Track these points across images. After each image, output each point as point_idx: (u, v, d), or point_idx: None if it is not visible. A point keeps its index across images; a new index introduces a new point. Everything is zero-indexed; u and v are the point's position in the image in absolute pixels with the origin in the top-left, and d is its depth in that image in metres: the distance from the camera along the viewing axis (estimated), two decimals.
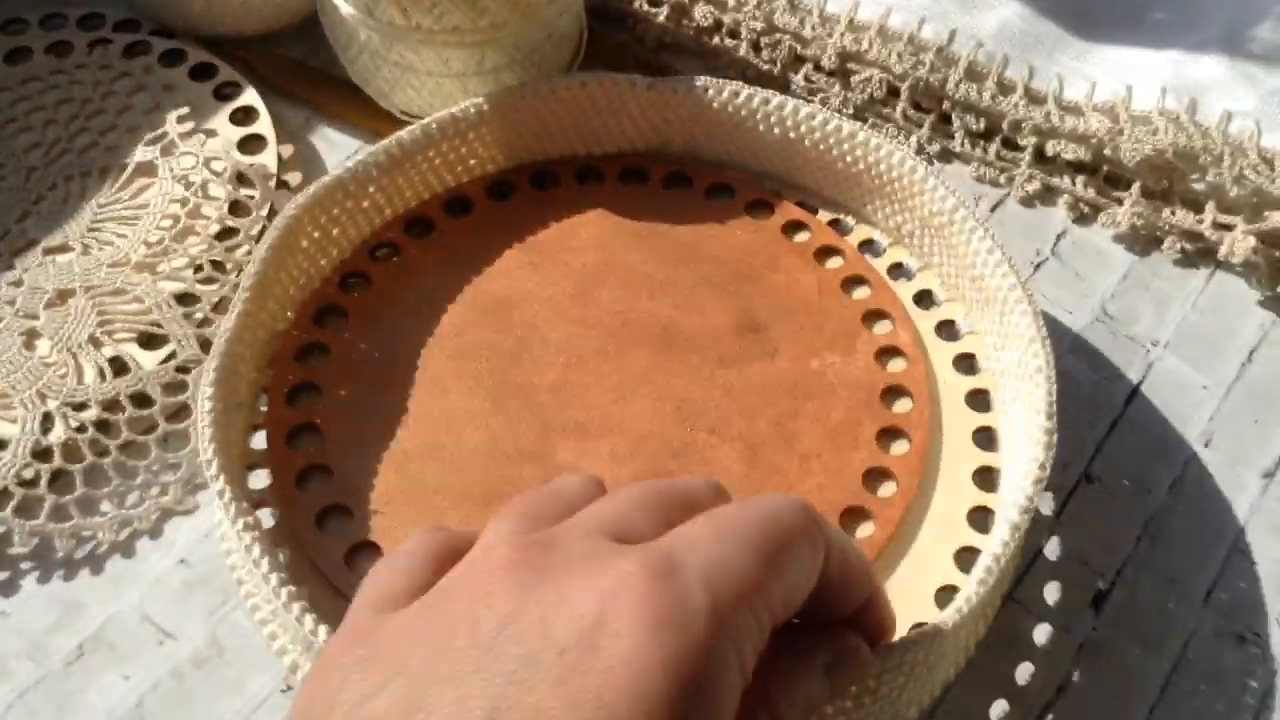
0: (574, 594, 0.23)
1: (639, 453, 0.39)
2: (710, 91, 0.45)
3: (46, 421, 0.39)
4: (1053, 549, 0.40)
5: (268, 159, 0.46)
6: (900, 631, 0.35)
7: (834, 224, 0.46)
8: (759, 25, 0.52)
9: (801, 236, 0.45)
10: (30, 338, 0.41)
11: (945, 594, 0.37)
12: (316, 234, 0.42)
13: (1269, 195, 0.46)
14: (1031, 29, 0.52)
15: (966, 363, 0.43)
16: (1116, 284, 0.47)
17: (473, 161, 0.46)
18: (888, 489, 0.39)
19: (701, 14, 0.53)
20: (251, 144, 0.47)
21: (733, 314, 0.42)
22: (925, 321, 0.44)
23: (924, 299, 0.44)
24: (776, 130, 0.45)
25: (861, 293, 0.44)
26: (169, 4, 0.49)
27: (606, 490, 0.28)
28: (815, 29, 0.51)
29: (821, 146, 0.45)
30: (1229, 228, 0.46)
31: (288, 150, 0.47)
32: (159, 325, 0.41)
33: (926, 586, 0.37)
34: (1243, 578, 0.40)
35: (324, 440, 0.39)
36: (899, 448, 0.40)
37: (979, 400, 0.42)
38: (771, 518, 0.25)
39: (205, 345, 0.41)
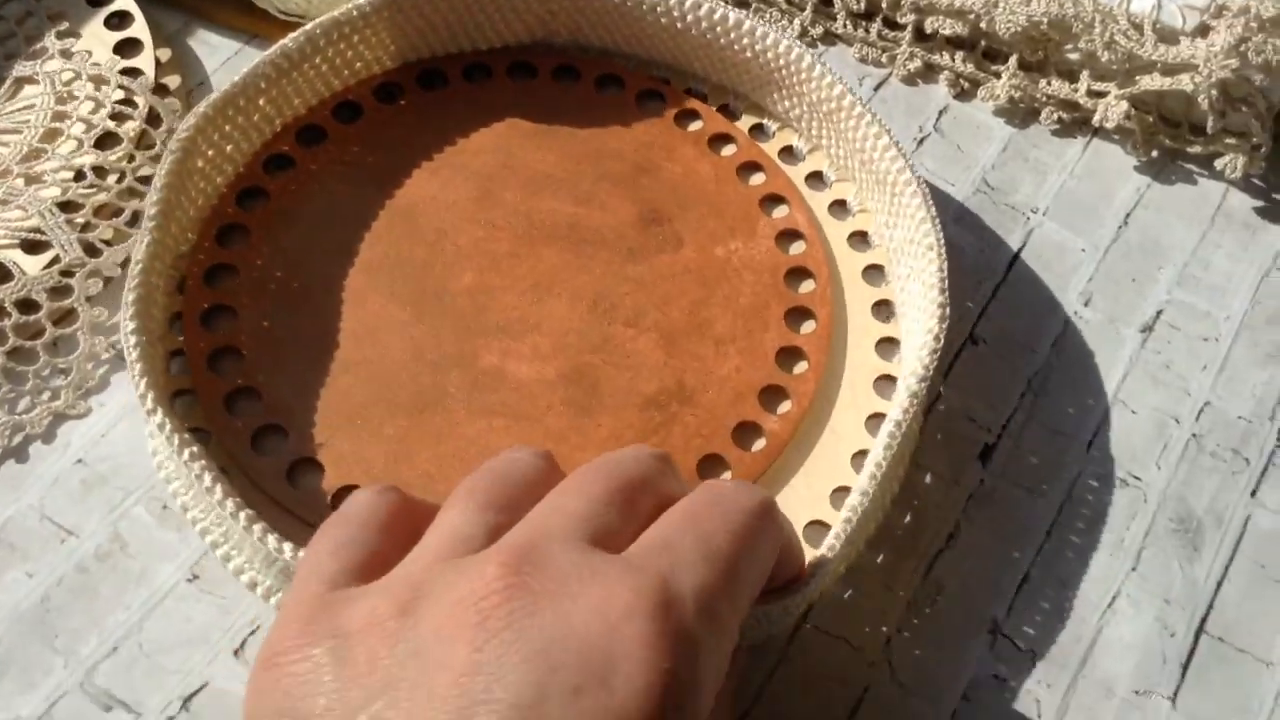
0: (578, 624, 0.23)
1: (561, 348, 0.39)
2: None
3: None
4: (940, 408, 0.41)
5: (145, 63, 0.45)
6: (822, 495, 0.36)
7: (723, 109, 0.47)
8: None
9: (694, 125, 0.46)
10: None
11: (859, 459, 0.38)
12: (211, 152, 0.41)
13: (1139, 60, 0.47)
14: None
15: (860, 239, 0.44)
16: (996, 156, 0.48)
17: (359, 65, 0.45)
18: (800, 367, 0.40)
19: None
20: (128, 48, 0.46)
21: (635, 207, 0.43)
22: (818, 202, 0.45)
23: (815, 180, 0.45)
24: (664, 20, 0.45)
25: (757, 178, 0.44)
26: None
27: (555, 462, 0.29)
28: None
29: (709, 35, 0.45)
30: (1103, 95, 0.48)
31: (165, 54, 0.46)
32: (41, 232, 0.40)
33: (843, 453, 0.39)
34: (1123, 426, 0.41)
35: (245, 362, 0.38)
36: (807, 327, 0.41)
37: (874, 275, 0.43)
38: (746, 527, 0.27)
39: (89, 249, 0.41)
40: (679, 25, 0.45)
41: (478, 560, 0.24)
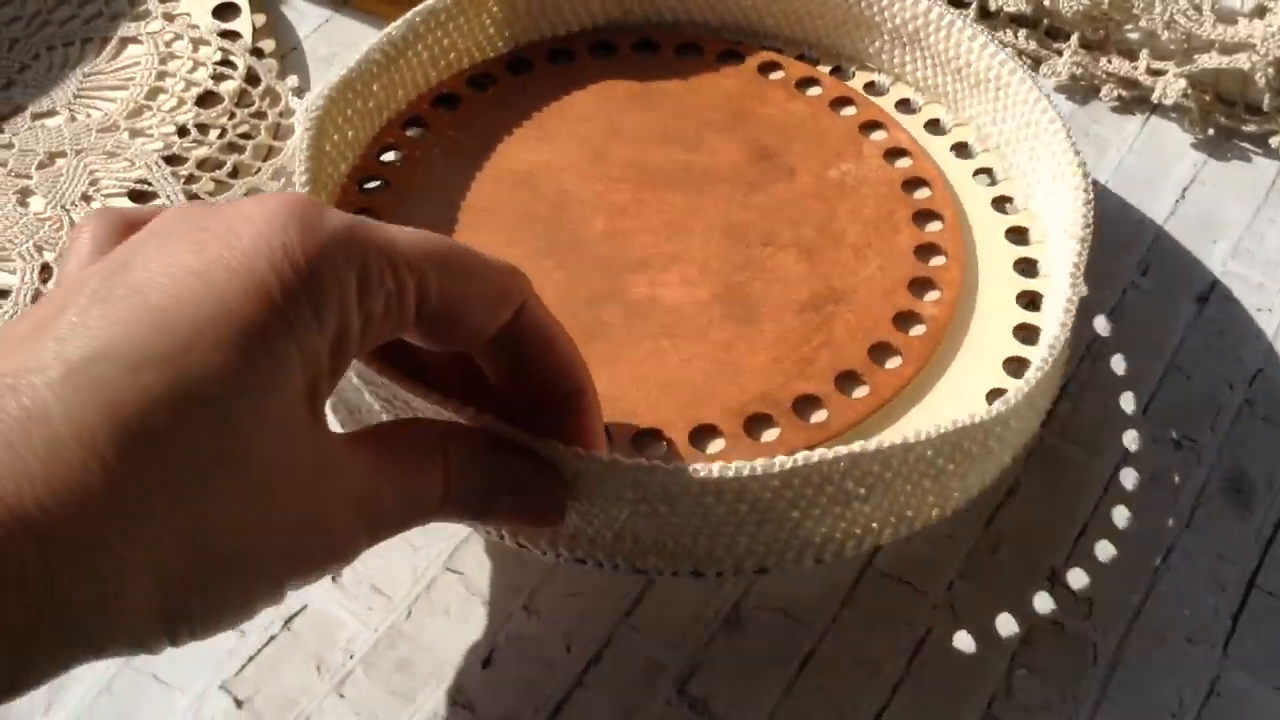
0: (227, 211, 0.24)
1: (708, 272, 0.40)
2: None
3: (45, 271, 0.40)
4: None
5: (242, 26, 0.47)
6: (995, 365, 0.39)
7: (800, 58, 0.49)
8: None
9: (777, 75, 0.48)
10: (23, 195, 0.42)
11: (1020, 332, 0.40)
12: (336, 136, 0.42)
13: (1198, 39, 0.48)
14: None
15: (961, 149, 0.46)
16: None
17: (453, 54, 0.46)
18: (939, 260, 0.42)
19: None
20: (225, 12, 0.48)
21: (742, 147, 0.44)
22: (913, 124, 0.47)
23: (903, 106, 0.48)
24: None
25: (849, 110, 0.46)
26: None
27: None
28: None
29: None
30: (1161, 73, 0.49)
31: (260, 19, 0.49)
32: (148, 183, 0.43)
33: (1004, 329, 0.40)
34: (1179, 390, 0.43)
35: None
36: (934, 226, 0.42)
37: (985, 175, 0.45)
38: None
39: (192, 199, 0.43)
40: None
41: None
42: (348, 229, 0.24)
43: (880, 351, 0.39)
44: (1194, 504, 0.40)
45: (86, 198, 0.42)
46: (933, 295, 0.41)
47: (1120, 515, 0.40)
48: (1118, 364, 0.43)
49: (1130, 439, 0.41)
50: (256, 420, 0.22)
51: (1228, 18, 0.48)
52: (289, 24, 0.50)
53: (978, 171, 0.45)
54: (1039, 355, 0.35)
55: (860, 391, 0.38)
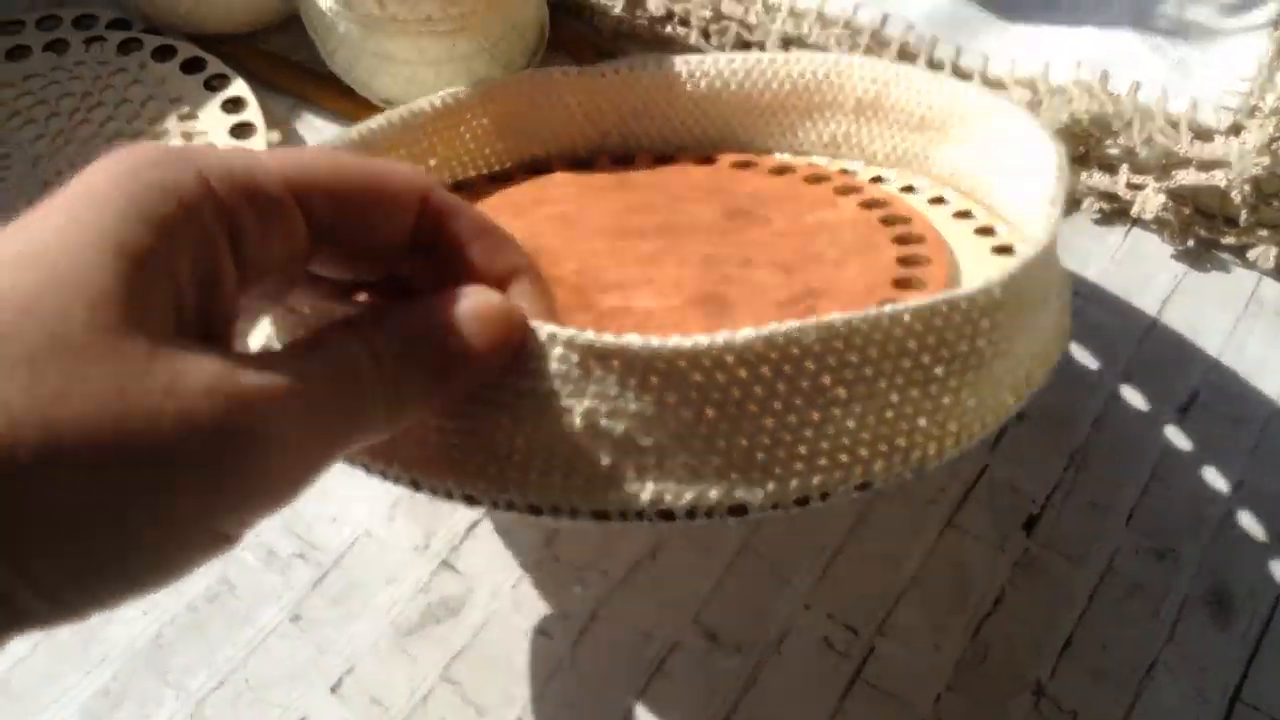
0: None
1: (682, 286, 0.37)
2: (650, 71, 0.49)
3: None
4: (987, 478, 0.44)
5: (257, 145, 0.49)
6: None
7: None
8: (707, 14, 0.56)
9: (750, 168, 0.49)
10: None
11: None
12: None
13: (1176, 156, 0.50)
14: (958, 12, 0.56)
15: (938, 201, 0.46)
16: None
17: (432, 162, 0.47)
18: (921, 268, 0.38)
19: (655, 4, 0.56)
20: (241, 130, 0.50)
21: (719, 206, 0.44)
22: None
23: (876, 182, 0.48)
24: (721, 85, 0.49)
25: (824, 185, 0.46)
26: (157, 4, 0.52)
27: None
28: (759, 16, 0.56)
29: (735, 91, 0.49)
30: (1141, 187, 0.51)
31: (276, 136, 0.51)
32: None
33: None
34: (1161, 502, 0.44)
35: None
36: (919, 246, 0.40)
37: (966, 217, 0.45)
38: None
39: None
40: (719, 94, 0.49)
41: None
42: (196, 184, 0.23)
43: None
44: (1176, 616, 0.41)
45: None
46: (916, 290, 0.37)
47: (1104, 627, 0.41)
48: (1100, 474, 0.44)
49: (1113, 550, 0.42)
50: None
51: (1205, 135, 0.50)
52: (304, 142, 0.52)
53: (958, 214, 0.45)
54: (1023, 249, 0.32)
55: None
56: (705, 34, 0.56)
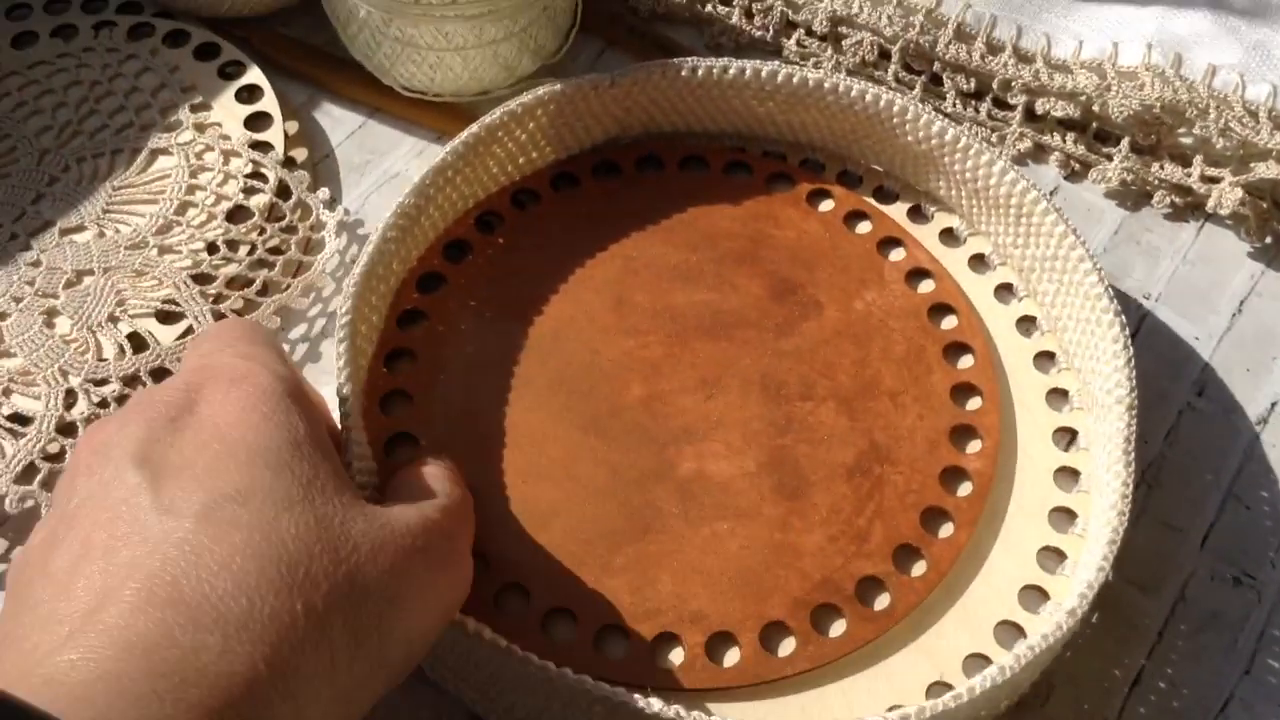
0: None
1: (751, 438, 0.40)
2: (663, 73, 0.45)
3: (69, 397, 0.40)
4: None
5: (274, 136, 0.47)
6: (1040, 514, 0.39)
7: (804, 165, 0.48)
8: None
9: (785, 188, 0.46)
10: (50, 316, 0.41)
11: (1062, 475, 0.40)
12: (364, 328, 0.40)
13: (1254, 147, 0.47)
14: None
15: (979, 261, 0.45)
16: (1108, 239, 0.48)
17: (458, 201, 0.44)
18: (975, 401, 0.41)
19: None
20: (257, 121, 0.47)
21: (763, 280, 0.43)
22: (926, 234, 0.46)
23: (915, 213, 0.47)
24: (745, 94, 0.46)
25: (864, 226, 0.45)
26: None
27: None
28: None
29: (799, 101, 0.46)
30: (1216, 180, 0.48)
31: (293, 127, 0.48)
32: (175, 303, 0.42)
33: (1043, 475, 0.40)
34: (1238, 522, 0.41)
35: None
36: (966, 361, 0.42)
37: (1006, 291, 0.44)
38: None
39: (220, 319, 0.42)
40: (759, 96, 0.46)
41: None
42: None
43: (932, 518, 0.39)
44: (1254, 648, 0.38)
45: (114, 318, 0.41)
46: (975, 446, 0.40)
47: (1176, 661, 0.38)
48: (1173, 493, 0.41)
49: (1186, 576, 0.40)
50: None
51: None
52: (322, 131, 0.49)
53: (998, 288, 0.44)
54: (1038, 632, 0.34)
55: (919, 567, 0.38)
56: (748, 14, 0.53)
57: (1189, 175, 0.48)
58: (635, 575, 0.37)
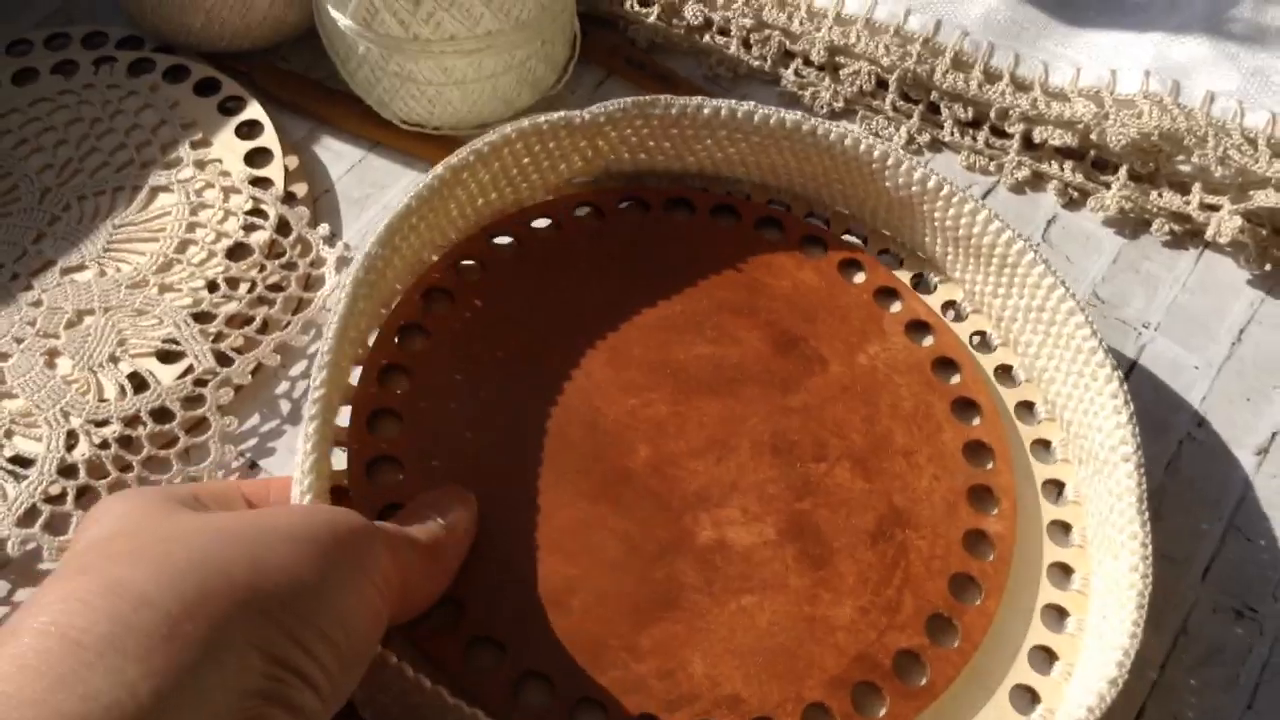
0: None
1: (768, 503, 0.38)
2: (636, 109, 0.44)
3: (71, 439, 0.40)
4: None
5: (274, 172, 0.47)
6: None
7: (770, 205, 0.46)
8: (748, 22, 0.53)
9: (775, 233, 0.45)
10: (51, 356, 0.42)
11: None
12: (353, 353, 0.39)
13: (1253, 175, 0.47)
14: (1015, 16, 0.52)
15: (947, 308, 0.45)
16: (1107, 267, 0.48)
17: (427, 245, 0.42)
18: (989, 464, 0.40)
19: (692, 13, 0.53)
20: (257, 157, 0.48)
21: (764, 332, 0.42)
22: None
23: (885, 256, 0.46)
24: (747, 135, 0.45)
25: (859, 276, 0.44)
26: (169, 21, 0.49)
27: None
28: (803, 24, 0.52)
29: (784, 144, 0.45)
30: (1215, 208, 0.48)
31: (293, 162, 0.48)
32: (176, 342, 0.42)
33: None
34: (1239, 554, 0.41)
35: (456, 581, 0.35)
36: (974, 419, 0.41)
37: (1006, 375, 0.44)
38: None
39: (220, 358, 0.42)
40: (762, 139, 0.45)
41: None
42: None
43: (961, 586, 0.38)
44: (1257, 681, 0.38)
45: (114, 358, 0.41)
46: (994, 510, 0.39)
47: (1179, 695, 0.38)
48: (1174, 524, 0.41)
49: (1188, 608, 0.40)
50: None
51: None
52: (322, 165, 0.49)
53: (970, 335, 0.44)
54: None
55: (953, 640, 0.37)
56: (746, 44, 0.53)
57: (1188, 203, 0.48)
58: (664, 658, 0.35)
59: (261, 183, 0.46)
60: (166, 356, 0.42)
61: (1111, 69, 0.50)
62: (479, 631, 0.35)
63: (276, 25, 0.50)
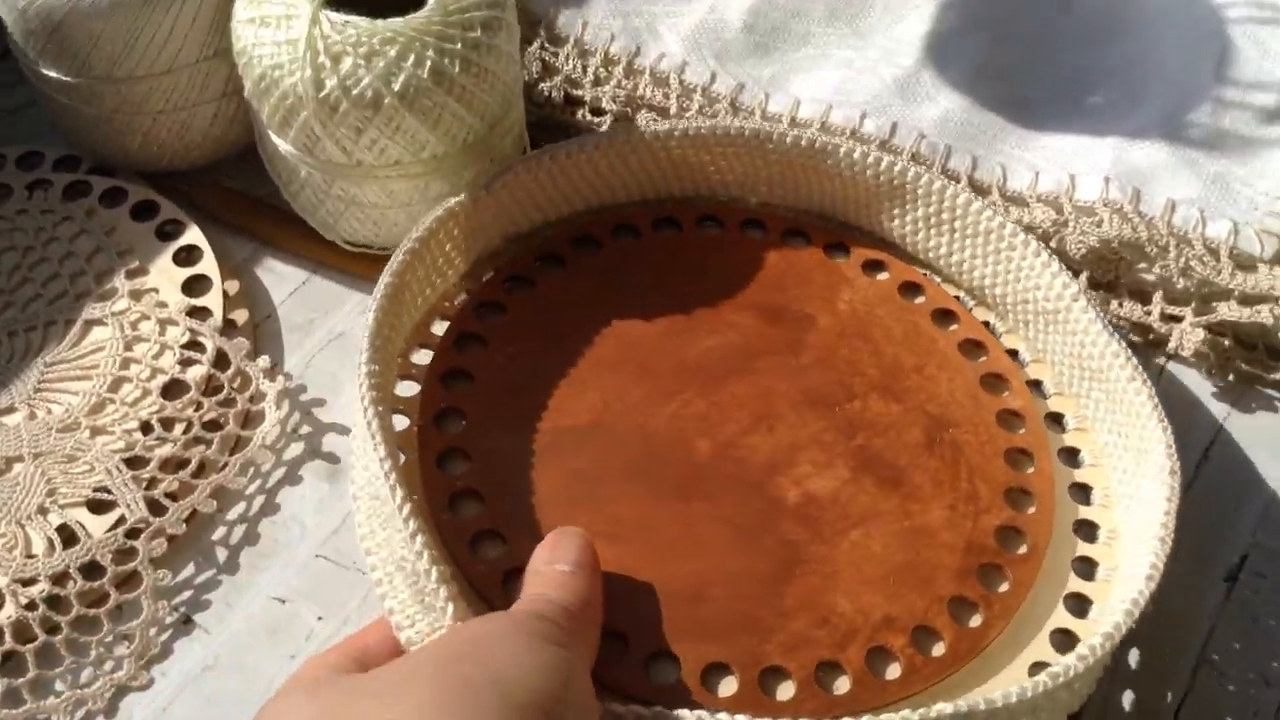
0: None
1: (828, 450, 0.41)
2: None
3: None
4: None
5: (212, 301, 0.46)
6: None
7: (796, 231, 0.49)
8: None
9: (756, 233, 0.48)
10: None
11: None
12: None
13: (1216, 286, 0.46)
14: (972, 119, 0.52)
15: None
16: None
17: (425, 296, 0.44)
18: (980, 355, 0.45)
19: (644, 122, 0.52)
20: (196, 284, 0.46)
21: (750, 311, 0.45)
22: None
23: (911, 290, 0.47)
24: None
25: (840, 255, 0.48)
26: (107, 142, 0.48)
27: None
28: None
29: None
30: (1178, 319, 0.47)
31: (233, 286, 0.47)
32: (108, 490, 0.40)
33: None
34: (1212, 690, 0.40)
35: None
36: (953, 325, 0.46)
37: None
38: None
39: (154, 507, 0.41)
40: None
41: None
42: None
43: (1014, 460, 0.42)
44: None
45: (43, 510, 0.40)
46: (1005, 392, 0.44)
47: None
48: (1145, 659, 0.40)
49: None
50: None
51: (1247, 264, 0.46)
52: (264, 289, 0.48)
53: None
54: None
55: (1030, 507, 0.41)
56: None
57: (1149, 313, 0.47)
58: (813, 610, 0.37)
59: (199, 312, 0.45)
60: (97, 506, 0.40)
61: (1070, 173, 0.49)
62: (650, 650, 0.36)
63: (216, 144, 0.49)
